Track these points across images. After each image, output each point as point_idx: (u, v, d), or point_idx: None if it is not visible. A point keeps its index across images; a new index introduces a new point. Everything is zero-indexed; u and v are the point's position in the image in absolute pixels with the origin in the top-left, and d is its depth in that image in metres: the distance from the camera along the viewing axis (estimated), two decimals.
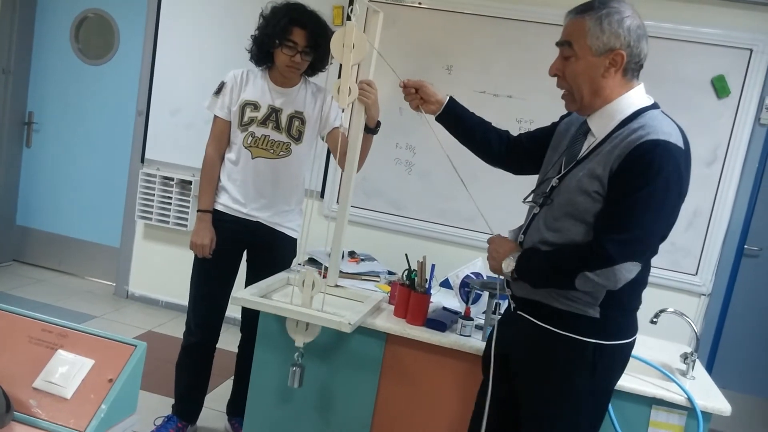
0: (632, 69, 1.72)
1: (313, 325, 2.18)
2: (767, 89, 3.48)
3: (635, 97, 1.73)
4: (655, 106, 1.74)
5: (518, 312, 1.87)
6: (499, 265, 1.82)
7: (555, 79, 1.80)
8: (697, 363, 2.31)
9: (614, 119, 1.71)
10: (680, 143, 1.64)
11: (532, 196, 1.92)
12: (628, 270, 1.62)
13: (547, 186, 1.84)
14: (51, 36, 4.77)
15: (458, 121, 2.13)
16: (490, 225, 2.06)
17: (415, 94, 2.14)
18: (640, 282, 1.74)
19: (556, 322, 1.76)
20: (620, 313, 1.76)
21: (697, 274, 3.68)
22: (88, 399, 1.28)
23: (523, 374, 1.87)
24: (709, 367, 3.74)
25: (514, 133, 2.14)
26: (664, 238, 1.71)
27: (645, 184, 1.59)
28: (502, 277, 1.89)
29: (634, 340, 1.82)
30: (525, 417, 1.87)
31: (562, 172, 1.80)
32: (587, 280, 1.64)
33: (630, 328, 1.80)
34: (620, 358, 1.80)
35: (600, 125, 1.74)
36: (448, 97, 2.13)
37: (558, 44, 1.76)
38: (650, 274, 1.82)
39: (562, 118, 2.01)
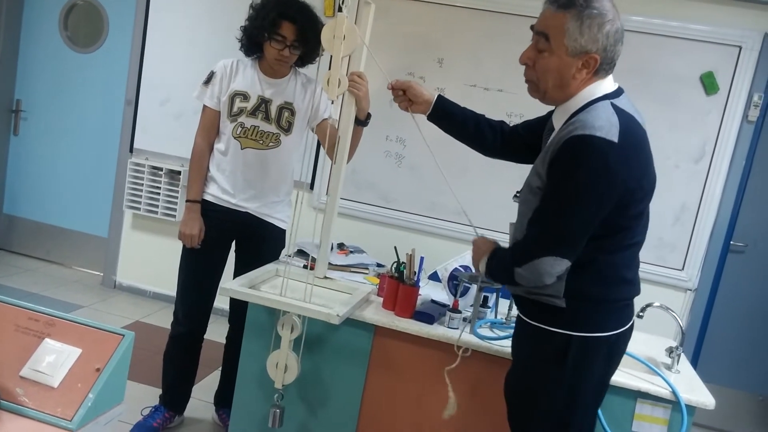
0: (604, 69, 1.70)
1: (293, 365, 2.21)
2: (755, 86, 3.50)
3: (594, 89, 1.70)
4: (613, 95, 1.71)
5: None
6: (476, 266, 1.89)
7: None
8: (683, 357, 2.34)
9: (569, 113, 1.71)
10: (612, 137, 1.57)
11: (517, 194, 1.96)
12: (551, 264, 1.64)
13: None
14: (39, 23, 4.72)
15: (449, 117, 2.13)
16: (477, 219, 2.08)
17: (404, 96, 2.14)
18: (608, 274, 1.73)
19: (529, 313, 1.82)
20: (589, 305, 1.73)
21: (683, 269, 3.71)
22: (75, 388, 1.27)
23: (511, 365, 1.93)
24: (695, 362, 3.77)
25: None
26: (590, 233, 1.66)
27: (564, 178, 1.61)
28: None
29: (618, 334, 1.77)
30: (507, 403, 1.92)
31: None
32: (519, 275, 1.70)
33: (606, 321, 1.75)
34: (598, 352, 1.76)
35: (559, 119, 1.76)
36: (436, 95, 2.13)
37: (533, 31, 1.75)
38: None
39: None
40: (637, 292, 1.83)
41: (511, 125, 2.14)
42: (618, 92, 1.73)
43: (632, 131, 1.65)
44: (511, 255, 1.76)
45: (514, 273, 1.71)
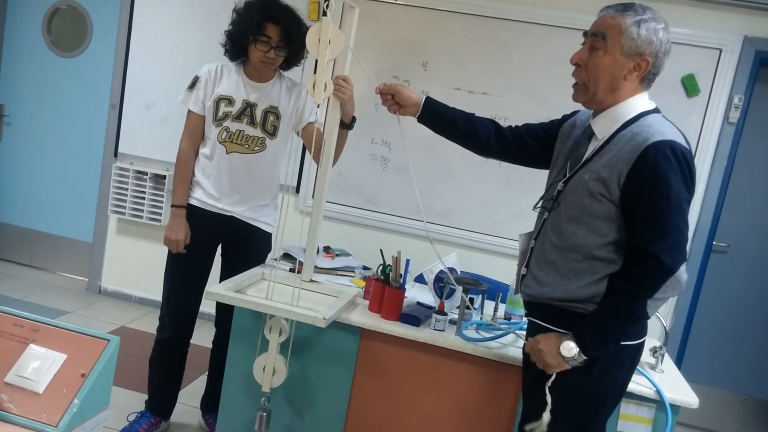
0: (649, 79, 1.77)
1: (281, 368, 2.20)
2: (736, 88, 3.55)
3: (639, 102, 1.77)
4: (656, 110, 1.78)
5: (528, 317, 1.93)
6: (556, 358, 1.74)
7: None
8: (666, 357, 2.36)
9: (618, 122, 1.75)
10: (684, 144, 1.68)
11: (541, 202, 1.96)
12: (683, 271, 1.65)
13: (554, 190, 1.88)
14: (22, 27, 4.69)
15: (439, 118, 2.15)
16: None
17: (392, 100, 2.16)
18: None
19: (557, 322, 1.80)
20: None
21: None
22: (61, 393, 1.27)
23: (528, 371, 1.92)
24: (678, 361, 3.80)
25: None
26: None
27: (667, 186, 1.63)
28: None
29: (642, 342, 1.82)
30: (524, 409, 1.93)
31: (567, 176, 1.83)
32: (653, 303, 1.67)
33: (636, 328, 1.78)
34: (624, 359, 1.79)
35: (603, 127, 1.78)
36: (424, 98, 2.15)
37: (589, 35, 1.77)
38: None
39: (565, 118, 2.04)
40: None
41: (505, 125, 2.15)
42: (659, 110, 1.79)
43: (688, 142, 1.72)
44: (635, 294, 1.66)
45: (645, 307, 1.66)
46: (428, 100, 2.15)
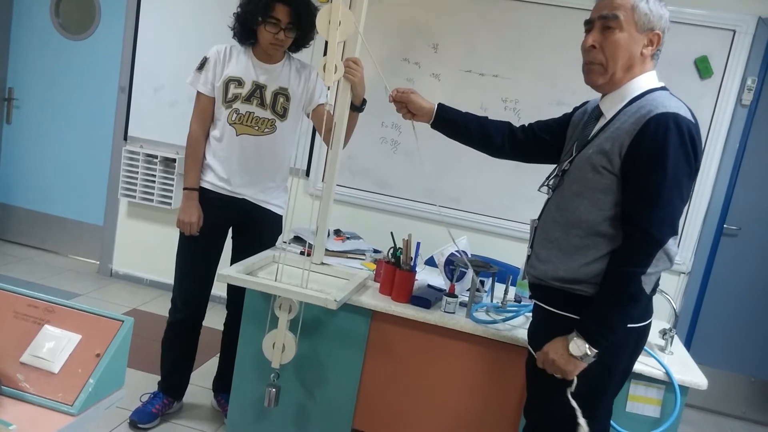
0: (657, 56, 1.79)
1: (290, 345, 2.21)
2: (749, 70, 3.51)
3: (648, 80, 1.77)
4: (663, 88, 1.77)
5: (532, 300, 1.95)
6: (566, 362, 1.73)
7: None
8: (676, 339, 2.36)
9: (625, 99, 1.75)
10: (690, 117, 1.66)
11: (547, 182, 1.97)
12: (673, 244, 1.65)
13: (560, 170, 1.88)
14: (31, 11, 4.69)
15: (452, 124, 2.18)
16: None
17: (405, 108, 2.20)
18: None
19: (558, 304, 1.81)
20: None
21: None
22: (76, 373, 1.28)
23: (530, 355, 1.92)
24: (688, 344, 3.80)
25: (508, 117, 2.16)
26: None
27: (662, 159, 1.62)
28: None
29: (646, 325, 1.82)
30: (527, 391, 1.95)
31: (574, 155, 1.83)
32: (647, 277, 1.65)
33: (637, 312, 1.77)
34: (627, 341, 1.79)
35: (611, 105, 1.79)
36: (436, 105, 2.17)
37: (600, 17, 1.76)
38: None
39: (575, 109, 2.05)
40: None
41: (518, 125, 2.17)
42: (666, 88, 1.78)
43: (695, 117, 1.71)
44: (627, 272, 1.65)
45: (640, 284, 1.65)
46: (441, 107, 2.18)
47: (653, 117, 1.63)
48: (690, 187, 1.70)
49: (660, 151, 1.62)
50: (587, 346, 1.68)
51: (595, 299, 1.71)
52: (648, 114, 1.64)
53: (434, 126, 2.19)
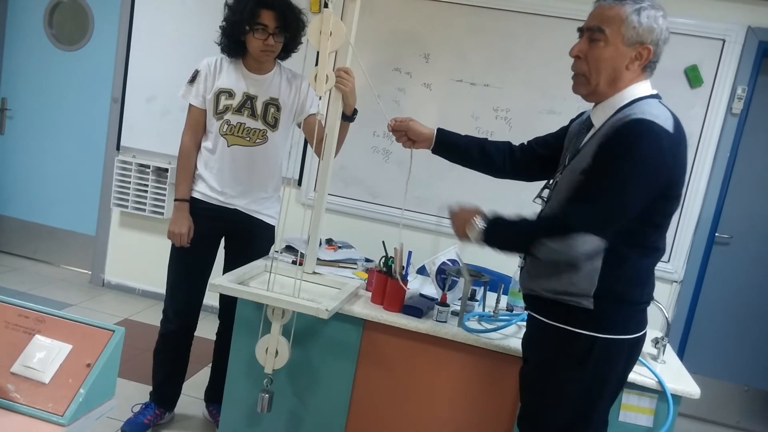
0: (650, 68, 1.76)
1: (283, 349, 2.20)
2: (739, 79, 3.54)
3: (639, 89, 1.75)
4: (655, 96, 1.76)
5: (527, 311, 1.94)
6: (464, 231, 1.83)
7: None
8: (668, 348, 2.36)
9: (614, 109, 1.74)
10: (668, 127, 1.62)
11: (540, 194, 1.97)
12: (584, 241, 1.66)
13: (552, 182, 1.89)
14: (24, 21, 4.69)
15: (453, 148, 2.20)
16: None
17: (405, 136, 2.22)
18: (636, 273, 1.75)
19: (551, 315, 1.80)
20: (617, 306, 1.74)
21: (669, 261, 3.74)
22: (67, 383, 1.28)
23: (524, 366, 1.93)
24: (680, 352, 3.81)
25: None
26: (631, 216, 1.67)
27: (615, 157, 1.61)
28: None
29: (640, 336, 1.81)
30: (521, 402, 1.94)
31: (566, 165, 1.84)
32: (545, 248, 1.69)
33: (631, 323, 1.78)
34: (620, 353, 1.78)
35: (601, 115, 1.77)
36: (435, 130, 2.18)
37: (586, 29, 1.75)
38: None
39: (572, 121, 2.05)
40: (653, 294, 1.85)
41: (518, 144, 2.17)
42: (659, 96, 1.77)
43: (682, 128, 1.69)
44: (539, 226, 1.74)
45: (538, 244, 1.69)
46: (440, 132, 2.19)
47: (628, 121, 1.62)
48: (647, 195, 1.64)
49: (618, 151, 1.61)
50: (479, 233, 1.78)
51: (520, 218, 1.77)
52: (626, 118, 1.63)
53: (435, 152, 2.20)
